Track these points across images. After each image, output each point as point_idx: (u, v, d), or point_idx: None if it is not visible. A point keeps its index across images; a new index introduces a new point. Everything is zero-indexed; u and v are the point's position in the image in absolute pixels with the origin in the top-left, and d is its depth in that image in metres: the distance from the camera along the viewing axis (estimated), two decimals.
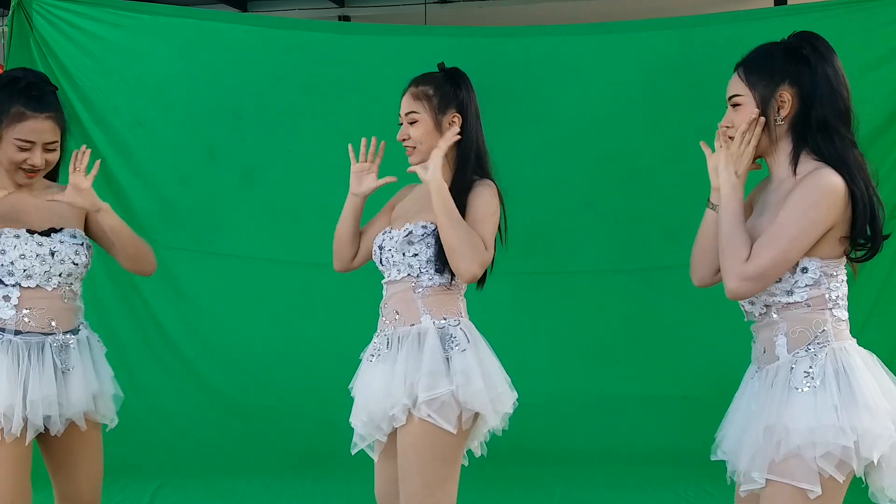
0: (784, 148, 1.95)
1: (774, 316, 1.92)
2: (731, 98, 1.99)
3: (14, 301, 2.27)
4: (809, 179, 1.85)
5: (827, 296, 1.89)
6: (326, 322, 4.50)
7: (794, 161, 1.92)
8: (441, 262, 2.25)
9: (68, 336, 2.38)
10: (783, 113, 1.92)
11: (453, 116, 2.32)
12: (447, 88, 2.33)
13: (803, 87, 1.90)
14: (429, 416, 2.15)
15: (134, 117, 4.33)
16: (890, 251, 4.22)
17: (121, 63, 4.26)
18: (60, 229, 2.39)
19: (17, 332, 2.28)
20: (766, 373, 1.93)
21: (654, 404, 4.43)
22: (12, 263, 2.27)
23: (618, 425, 4.46)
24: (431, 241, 2.26)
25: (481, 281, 2.35)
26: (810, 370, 1.85)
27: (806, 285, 1.88)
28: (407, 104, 2.36)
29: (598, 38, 4.46)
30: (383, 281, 2.40)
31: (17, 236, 2.30)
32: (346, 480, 4.08)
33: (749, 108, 1.93)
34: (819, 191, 1.82)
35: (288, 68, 4.43)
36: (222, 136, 4.46)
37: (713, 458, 2.08)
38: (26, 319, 2.29)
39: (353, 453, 2.42)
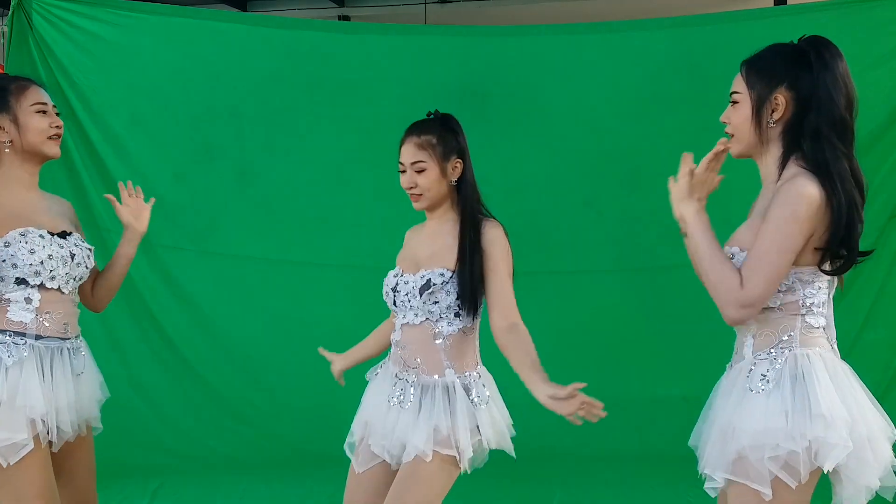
0: (774, 151, 1.94)
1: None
2: (731, 94, 1.99)
3: (35, 304, 2.25)
4: (785, 190, 1.83)
5: (801, 302, 1.88)
6: (326, 322, 4.49)
7: (782, 166, 1.91)
8: (463, 307, 2.31)
9: (79, 340, 2.39)
10: (776, 116, 1.91)
11: (456, 162, 2.38)
12: (449, 136, 2.39)
13: (801, 93, 1.88)
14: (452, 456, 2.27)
15: (132, 116, 4.33)
16: (888, 252, 4.26)
17: (119, 62, 4.26)
18: (70, 233, 2.38)
19: (37, 337, 2.26)
20: (733, 371, 1.97)
21: (654, 405, 4.43)
22: (41, 263, 2.24)
23: (618, 426, 4.42)
24: (451, 288, 2.31)
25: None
26: (767, 373, 1.85)
27: (779, 291, 1.87)
28: (411, 153, 2.38)
29: (599, 37, 4.47)
30: (398, 322, 2.41)
31: (42, 236, 2.27)
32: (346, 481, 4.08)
33: (745, 106, 1.94)
34: (794, 202, 1.80)
35: (287, 68, 4.43)
36: (220, 135, 4.46)
37: (689, 443, 2.14)
38: (46, 324, 2.28)
39: (346, 452, 2.55)
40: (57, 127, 2.35)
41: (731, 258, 1.88)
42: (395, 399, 2.35)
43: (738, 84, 1.97)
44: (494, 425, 2.35)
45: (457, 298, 2.29)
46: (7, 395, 2.15)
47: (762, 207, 1.91)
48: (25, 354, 2.20)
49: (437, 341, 2.32)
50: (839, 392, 1.83)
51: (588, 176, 4.46)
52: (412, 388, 2.33)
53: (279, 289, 4.53)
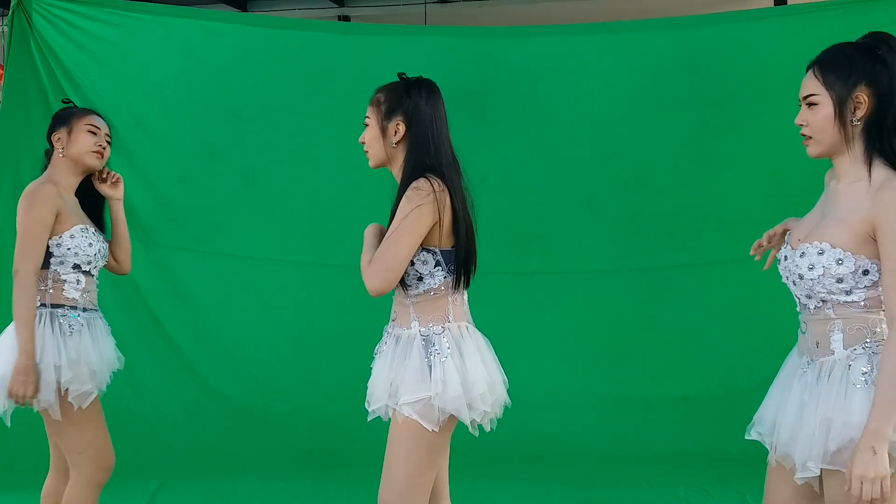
0: (857, 149, 1.97)
1: (830, 312, 1.96)
2: (806, 97, 2.01)
3: (82, 285, 2.74)
4: (887, 198, 1.87)
5: (881, 297, 1.92)
6: (326, 322, 4.50)
7: (868, 163, 1.95)
8: (412, 277, 2.33)
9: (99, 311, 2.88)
10: (859, 113, 1.95)
11: (398, 124, 2.36)
12: (396, 96, 2.37)
13: (880, 88, 1.93)
14: (410, 415, 2.26)
15: (134, 117, 4.33)
16: None
17: (120, 63, 4.26)
18: (95, 227, 2.84)
19: (84, 310, 2.75)
20: (821, 366, 1.98)
21: (653, 404, 4.43)
22: (94, 255, 2.76)
23: (618, 425, 4.46)
24: None
25: (466, 281, 2.40)
26: (868, 368, 1.90)
27: (865, 287, 1.93)
28: (368, 110, 2.43)
29: (598, 38, 4.47)
30: None
31: (94, 233, 2.79)
32: (346, 480, 4.08)
33: (825, 107, 1.97)
34: None
35: (288, 68, 4.43)
36: (222, 135, 4.47)
37: (747, 437, 2.15)
38: (87, 300, 2.77)
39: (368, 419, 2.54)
40: (100, 146, 2.83)
41: (821, 254, 1.92)
42: (380, 351, 2.44)
43: (814, 86, 1.99)
44: (450, 384, 2.27)
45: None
46: (75, 354, 2.65)
47: (853, 207, 1.94)
48: (83, 324, 2.72)
49: (407, 300, 2.36)
50: None
51: (588, 176, 4.46)
52: (387, 339, 2.41)
53: (281, 289, 4.53)
